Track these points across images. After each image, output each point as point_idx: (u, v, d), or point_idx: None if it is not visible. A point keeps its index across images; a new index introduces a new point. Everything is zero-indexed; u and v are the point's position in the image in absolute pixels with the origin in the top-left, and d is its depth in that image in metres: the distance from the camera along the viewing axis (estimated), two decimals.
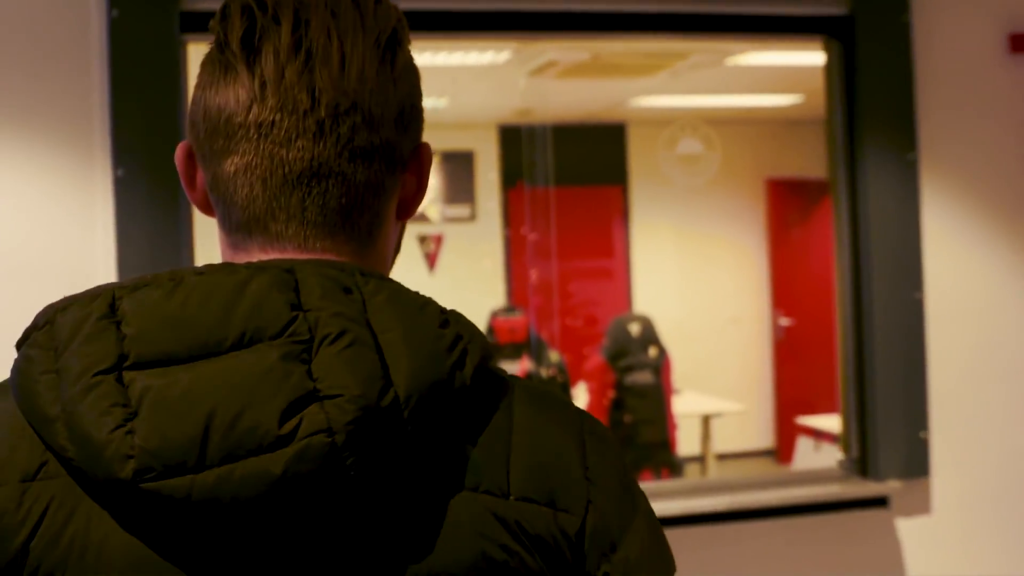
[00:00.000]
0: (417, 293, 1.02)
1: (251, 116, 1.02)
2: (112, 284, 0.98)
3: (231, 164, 1.05)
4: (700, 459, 8.16)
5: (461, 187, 9.61)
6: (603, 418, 7.27)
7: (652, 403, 7.44)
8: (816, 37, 3.98)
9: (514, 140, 9.53)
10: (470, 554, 0.97)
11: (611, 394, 7.33)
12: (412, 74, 1.12)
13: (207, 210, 1.12)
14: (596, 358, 7.50)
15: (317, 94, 1.02)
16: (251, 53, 1.03)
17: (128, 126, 3.14)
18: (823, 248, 10.05)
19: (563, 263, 9.67)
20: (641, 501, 1.08)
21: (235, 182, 1.05)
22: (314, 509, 0.93)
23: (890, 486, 3.90)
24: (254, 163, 1.03)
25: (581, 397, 7.67)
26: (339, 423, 0.91)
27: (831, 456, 7.01)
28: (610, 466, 1.06)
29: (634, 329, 7.56)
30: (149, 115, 3.14)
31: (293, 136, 1.02)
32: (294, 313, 0.94)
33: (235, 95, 1.03)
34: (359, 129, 1.04)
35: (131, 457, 0.89)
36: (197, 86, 1.09)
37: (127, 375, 0.92)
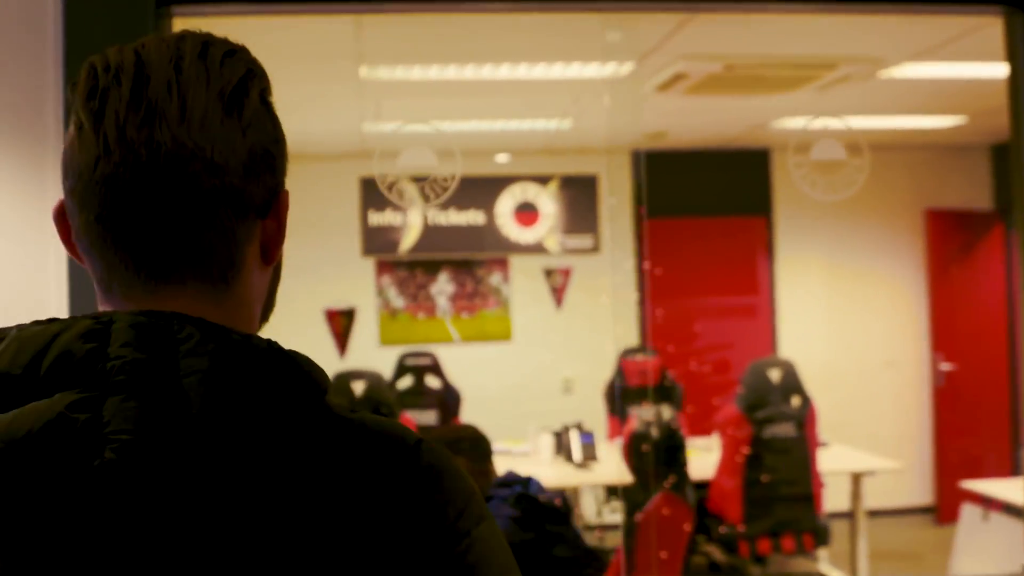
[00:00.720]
0: (237, 333, 1.07)
1: (98, 172, 1.09)
2: None
3: (86, 218, 1.11)
4: (849, 516, 7.40)
5: (582, 215, 9.02)
6: (737, 478, 6.55)
7: (794, 460, 6.74)
8: (991, 9, 3.13)
9: (646, 165, 9.08)
10: None
11: (746, 450, 6.53)
12: (267, 122, 1.16)
13: (82, 262, 1.18)
14: (730, 408, 6.75)
15: (155, 146, 1.08)
16: (95, 112, 1.09)
17: None
18: (991, 285, 9.60)
19: (699, 300, 9.20)
20: (482, 530, 1.11)
21: (90, 235, 1.12)
22: (100, 545, 0.99)
23: None
24: (103, 215, 1.10)
25: (715, 451, 7.04)
26: (119, 463, 0.98)
27: (1003, 528, 6.21)
28: (436, 498, 1.09)
29: (774, 375, 6.87)
30: None
31: (137, 188, 1.08)
32: (92, 362, 1.02)
33: (84, 153, 1.10)
34: (200, 176, 1.09)
35: None
36: (64, 145, 1.15)
37: None
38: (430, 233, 9.03)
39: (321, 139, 8.10)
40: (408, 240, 9.03)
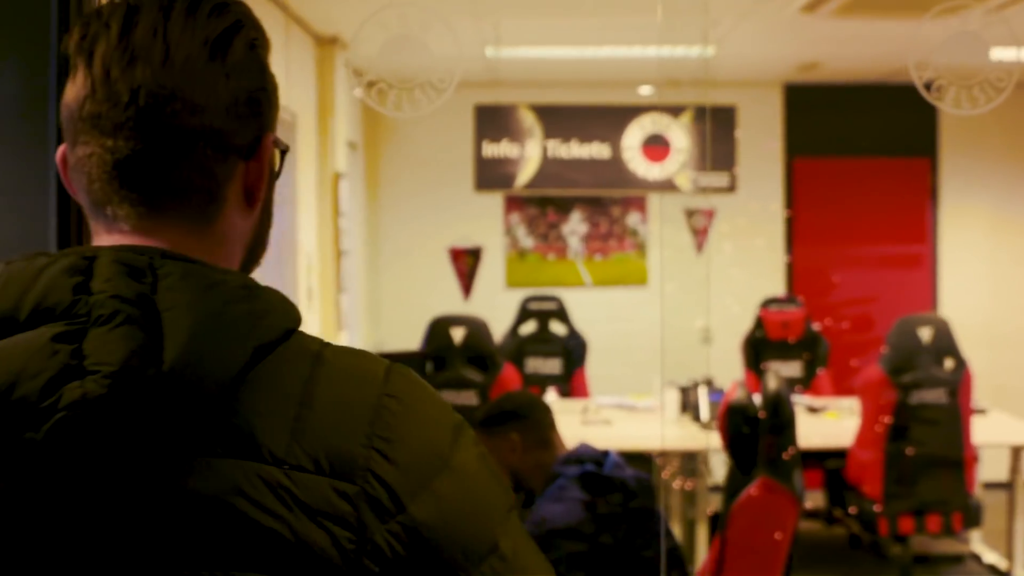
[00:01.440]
0: (217, 270, 1.13)
1: (85, 111, 1.16)
2: None
3: (76, 154, 1.18)
4: (1007, 487, 6.72)
5: (717, 151, 8.41)
6: (877, 450, 5.93)
7: (944, 431, 6.10)
8: None
9: (795, 99, 8.43)
10: (238, 519, 1.04)
11: (888, 418, 5.88)
12: (253, 70, 1.22)
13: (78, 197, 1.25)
14: (872, 370, 6.10)
15: (136, 87, 1.14)
16: (86, 55, 1.16)
17: None
18: None
19: (848, 249, 8.58)
20: (459, 458, 1.14)
21: (80, 170, 1.19)
22: (77, 475, 1.04)
23: None
24: (89, 152, 1.16)
25: (857, 415, 6.37)
26: (95, 396, 1.02)
27: None
28: (406, 430, 1.12)
29: (925, 335, 6.22)
30: None
31: (118, 126, 1.14)
32: (76, 296, 1.07)
33: (75, 92, 1.17)
34: (180, 115, 1.15)
35: None
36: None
37: None
38: (549, 166, 8.45)
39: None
40: (525, 174, 8.48)
